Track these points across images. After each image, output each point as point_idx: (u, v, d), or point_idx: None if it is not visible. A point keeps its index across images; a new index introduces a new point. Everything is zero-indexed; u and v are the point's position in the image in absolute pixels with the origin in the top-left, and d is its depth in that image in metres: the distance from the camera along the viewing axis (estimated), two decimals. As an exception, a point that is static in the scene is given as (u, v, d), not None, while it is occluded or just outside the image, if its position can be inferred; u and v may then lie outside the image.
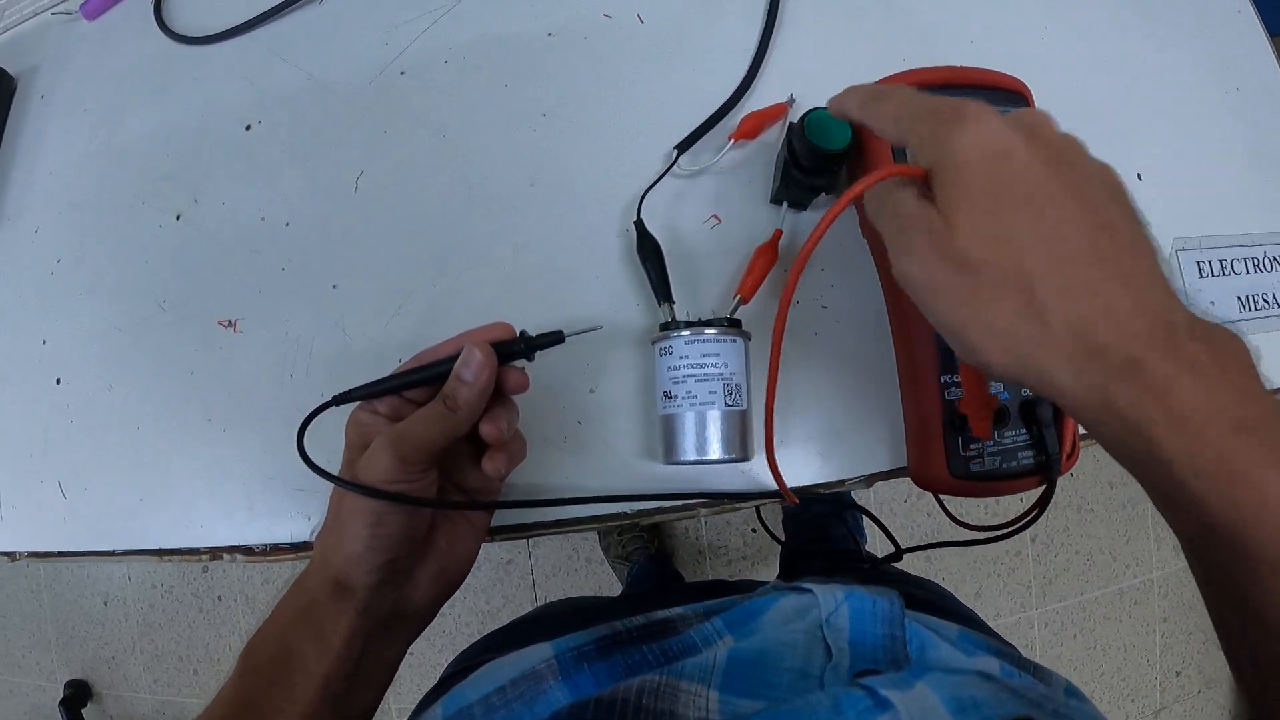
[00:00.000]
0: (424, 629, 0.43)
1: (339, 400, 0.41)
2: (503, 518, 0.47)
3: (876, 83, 0.39)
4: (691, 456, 0.43)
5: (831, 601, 0.38)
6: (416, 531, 0.39)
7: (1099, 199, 0.28)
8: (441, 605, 0.43)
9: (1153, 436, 0.25)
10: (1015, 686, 0.32)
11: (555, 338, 0.41)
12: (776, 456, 0.43)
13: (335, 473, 0.39)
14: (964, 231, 0.27)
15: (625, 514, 0.47)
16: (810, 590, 0.39)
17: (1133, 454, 0.26)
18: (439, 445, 0.38)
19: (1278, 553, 0.23)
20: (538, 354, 0.41)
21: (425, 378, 0.40)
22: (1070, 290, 0.26)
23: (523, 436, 0.44)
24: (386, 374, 0.41)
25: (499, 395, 0.41)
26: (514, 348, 0.40)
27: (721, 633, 0.38)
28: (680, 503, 0.47)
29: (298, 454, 0.40)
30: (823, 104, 0.44)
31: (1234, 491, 0.24)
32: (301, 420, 0.41)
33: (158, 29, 0.64)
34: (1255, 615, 0.25)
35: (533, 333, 0.41)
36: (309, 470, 0.39)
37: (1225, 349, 0.25)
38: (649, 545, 1.56)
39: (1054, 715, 0.29)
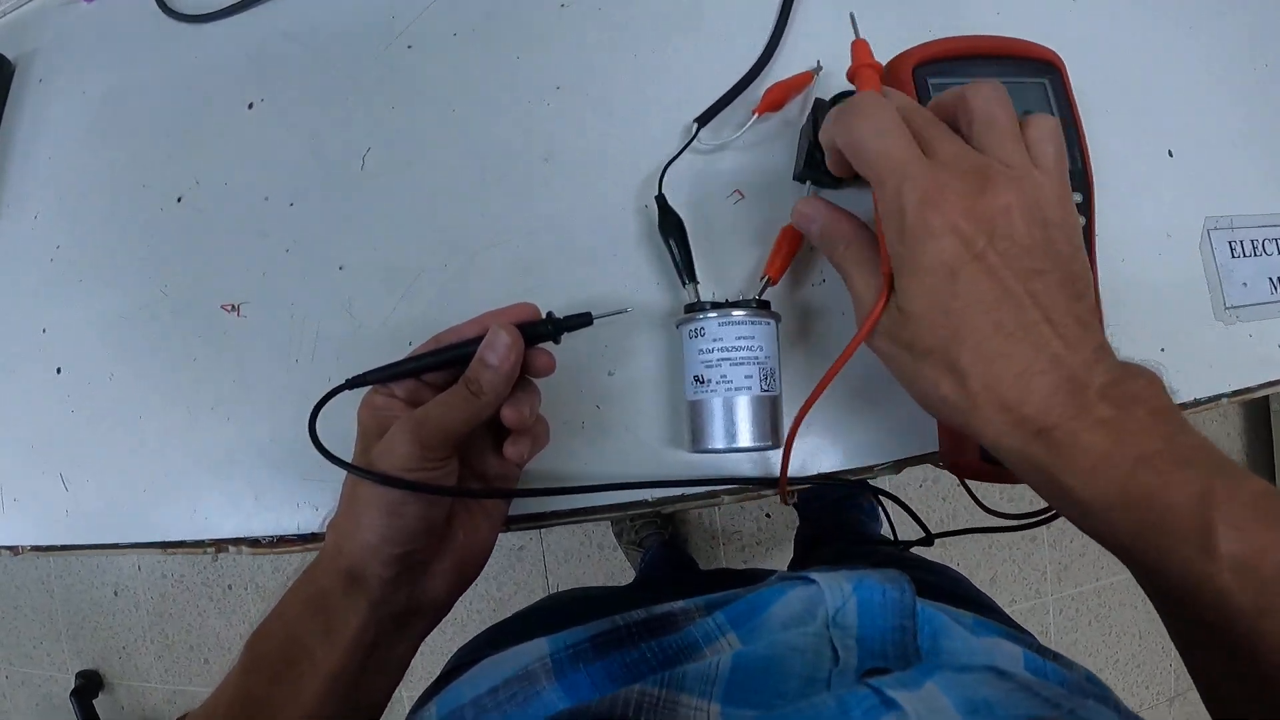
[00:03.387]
0: (438, 623, 0.42)
1: (352, 384, 0.39)
2: (519, 506, 0.46)
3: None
4: (721, 444, 0.41)
5: (839, 595, 0.36)
6: (435, 522, 0.38)
7: (1032, 275, 0.31)
8: (458, 598, 0.41)
9: (1065, 484, 0.30)
10: (1031, 684, 0.31)
11: (583, 319, 0.40)
12: (799, 441, 0.42)
13: (347, 459, 0.37)
14: (914, 325, 0.33)
15: (646, 502, 0.45)
16: (815, 581, 0.37)
17: (1051, 496, 0.32)
18: (461, 431, 0.36)
19: (1185, 550, 0.28)
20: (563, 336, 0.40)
21: (446, 360, 0.38)
22: (996, 377, 0.31)
23: (546, 421, 0.43)
24: (399, 357, 0.39)
25: (522, 379, 0.39)
26: (541, 329, 0.39)
27: (724, 629, 0.36)
28: (706, 489, 0.45)
29: (310, 440, 0.38)
30: (847, 68, 0.43)
31: (1134, 515, 0.29)
32: (312, 406, 0.39)
33: (157, 8, 0.63)
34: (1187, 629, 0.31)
35: (559, 314, 0.40)
36: (320, 458, 0.37)
37: (1132, 396, 0.30)
38: (662, 531, 1.56)
39: (1070, 715, 0.28)
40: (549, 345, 0.40)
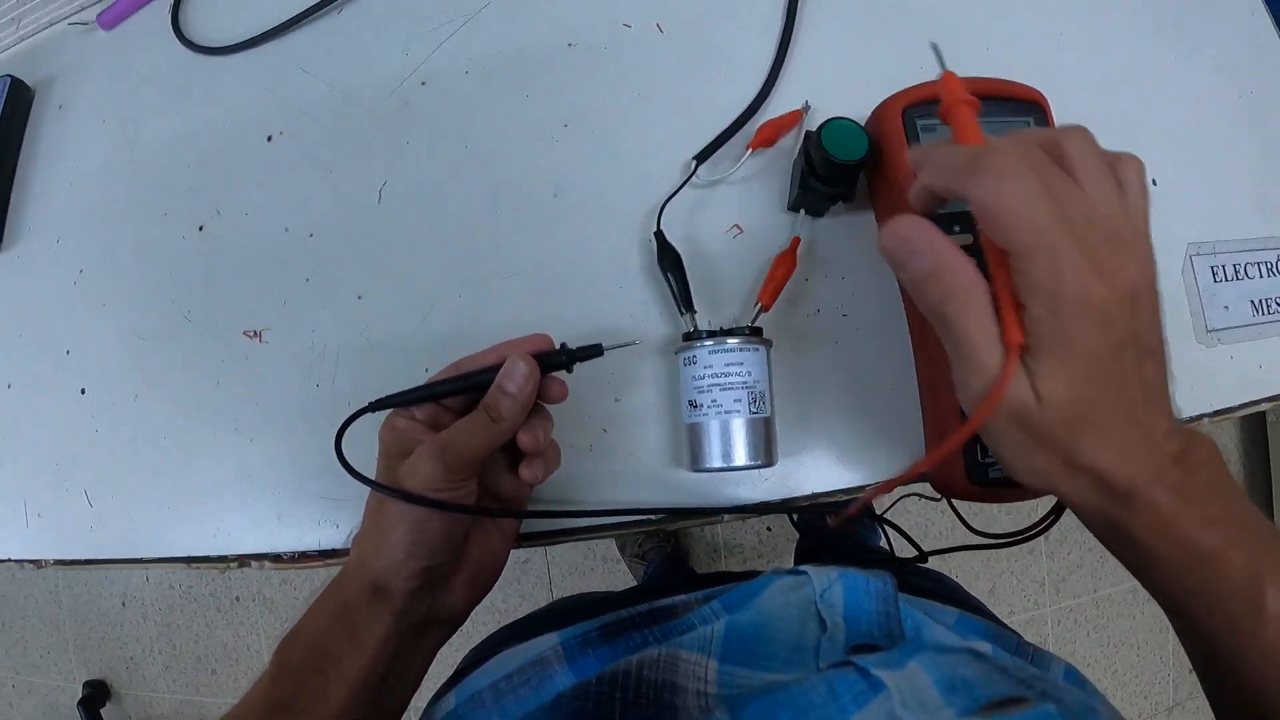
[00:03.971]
0: (453, 634, 0.44)
1: (375, 407, 0.41)
2: (529, 525, 0.48)
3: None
4: (717, 464, 0.43)
5: (825, 580, 0.39)
6: (455, 538, 0.40)
7: (1147, 355, 0.31)
8: (474, 609, 0.43)
9: (1137, 539, 0.31)
10: (1007, 666, 0.33)
11: (594, 350, 0.42)
12: (795, 463, 0.44)
13: (369, 478, 0.39)
14: (1046, 409, 0.29)
15: (651, 520, 0.47)
16: (804, 572, 0.40)
17: (1117, 544, 0.33)
18: (482, 454, 0.38)
19: (1237, 607, 0.30)
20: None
21: (465, 386, 0.40)
22: (1100, 453, 0.30)
23: (558, 445, 0.44)
24: (418, 383, 0.41)
25: (536, 405, 0.41)
26: (555, 359, 0.41)
27: (719, 614, 0.38)
28: (721, 511, 0.47)
29: (334, 460, 0.40)
30: (839, 114, 0.45)
31: (1196, 572, 0.30)
32: (333, 428, 0.41)
33: (175, 39, 0.64)
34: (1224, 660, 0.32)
35: (571, 345, 0.42)
36: (339, 479, 0.39)
37: (1198, 461, 0.31)
38: (665, 544, 1.57)
39: (1043, 696, 0.30)
40: (561, 374, 0.42)
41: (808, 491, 0.47)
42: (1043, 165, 0.29)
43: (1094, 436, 0.30)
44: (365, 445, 0.41)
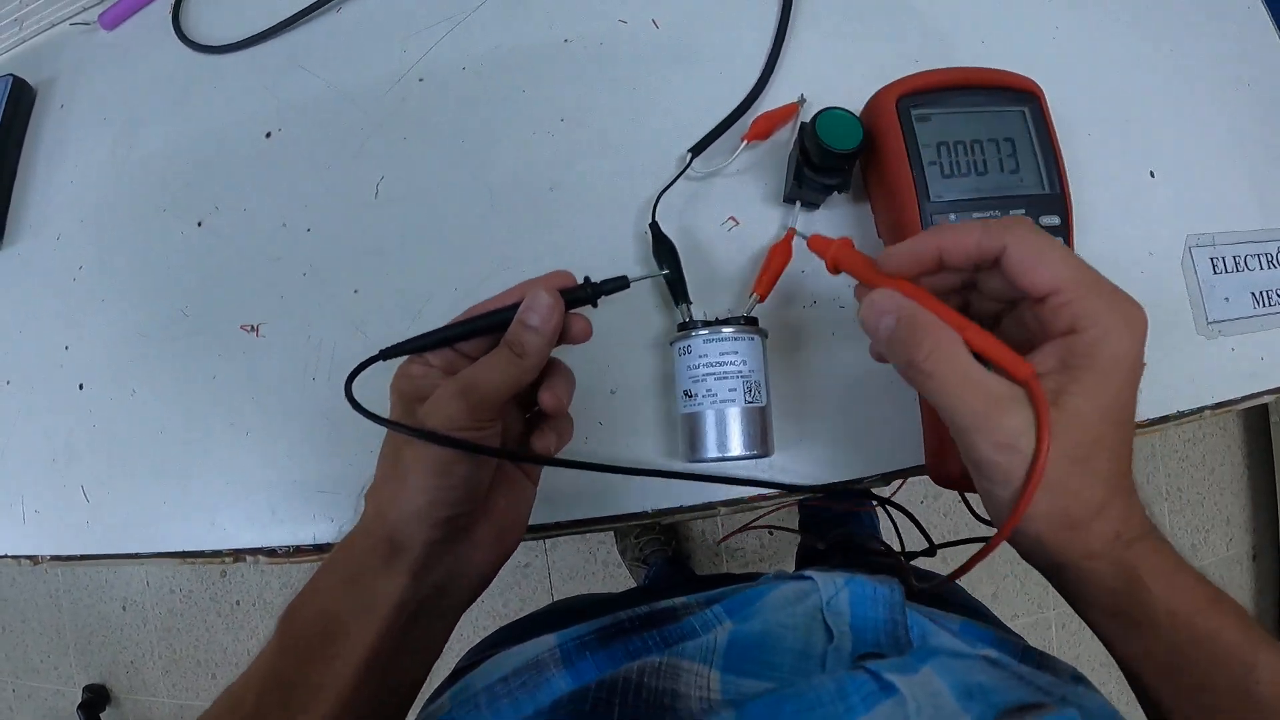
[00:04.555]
0: (476, 598, 0.41)
1: (386, 354, 0.38)
2: (533, 517, 0.47)
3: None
4: (713, 454, 0.43)
5: (831, 587, 0.37)
6: (479, 486, 0.37)
7: (1133, 413, 0.33)
8: (498, 569, 0.41)
9: (1146, 584, 0.32)
10: (1023, 674, 0.32)
11: (620, 283, 0.39)
12: (791, 454, 0.43)
13: (374, 444, 0.37)
14: (1078, 474, 0.31)
15: (646, 513, 0.47)
16: (810, 577, 0.38)
17: (1131, 606, 0.33)
18: (506, 393, 0.36)
19: (1235, 665, 0.31)
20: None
21: (482, 327, 0.37)
22: (1118, 486, 0.33)
23: (571, 417, 0.43)
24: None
25: (558, 364, 0.40)
26: (579, 294, 0.38)
27: (721, 619, 0.37)
28: (737, 487, 0.47)
29: (349, 405, 0.36)
30: (835, 104, 0.45)
31: (1200, 622, 0.31)
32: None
33: (176, 38, 0.65)
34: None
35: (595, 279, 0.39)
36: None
37: (1160, 535, 0.34)
38: (666, 547, 1.56)
39: (1062, 702, 0.29)
40: (586, 310, 0.40)
41: (808, 482, 0.47)
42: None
43: (1114, 466, 0.32)
44: (373, 404, 0.39)
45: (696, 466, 0.45)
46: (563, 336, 0.38)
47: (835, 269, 0.38)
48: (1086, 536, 0.32)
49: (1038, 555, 0.34)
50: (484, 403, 0.35)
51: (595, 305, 0.39)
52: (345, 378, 0.37)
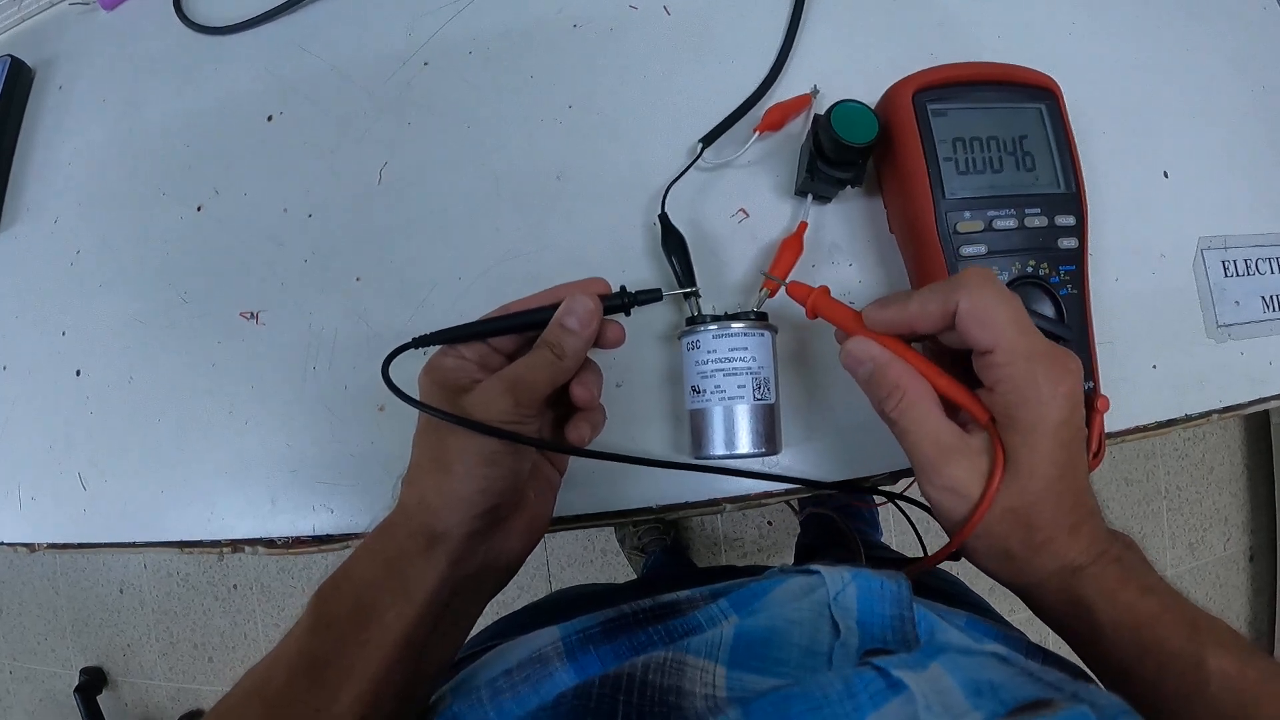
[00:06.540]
0: (504, 587, 0.42)
1: (419, 343, 0.39)
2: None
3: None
4: (720, 451, 0.42)
5: (838, 582, 0.37)
6: (520, 478, 0.38)
7: (1081, 438, 0.37)
8: (526, 557, 0.42)
9: (1089, 602, 0.35)
10: (1033, 670, 0.32)
11: (654, 295, 0.41)
12: (799, 452, 0.43)
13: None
14: (1030, 500, 0.35)
15: (651, 509, 0.47)
16: (817, 571, 0.38)
17: (1073, 619, 0.37)
18: (546, 392, 0.37)
19: (1181, 666, 0.33)
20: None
21: (519, 324, 0.39)
22: (1056, 529, 0.36)
23: (603, 408, 0.43)
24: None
25: (586, 361, 0.41)
26: (615, 301, 0.40)
27: (727, 613, 0.37)
28: (746, 480, 0.46)
29: (388, 389, 0.37)
30: (849, 96, 0.44)
31: (1142, 634, 0.34)
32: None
33: (177, 19, 0.64)
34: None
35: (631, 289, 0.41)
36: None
37: (1126, 543, 0.37)
38: (664, 537, 1.56)
39: (1073, 698, 0.29)
40: (620, 318, 0.41)
41: (813, 479, 0.46)
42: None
43: (1053, 512, 0.36)
44: (373, 394, 0.39)
45: (690, 475, 0.45)
46: (597, 341, 0.40)
47: (814, 315, 0.40)
48: (1028, 569, 0.37)
49: (992, 576, 0.39)
50: (529, 399, 0.36)
51: (628, 314, 0.40)
52: (382, 361, 0.38)
